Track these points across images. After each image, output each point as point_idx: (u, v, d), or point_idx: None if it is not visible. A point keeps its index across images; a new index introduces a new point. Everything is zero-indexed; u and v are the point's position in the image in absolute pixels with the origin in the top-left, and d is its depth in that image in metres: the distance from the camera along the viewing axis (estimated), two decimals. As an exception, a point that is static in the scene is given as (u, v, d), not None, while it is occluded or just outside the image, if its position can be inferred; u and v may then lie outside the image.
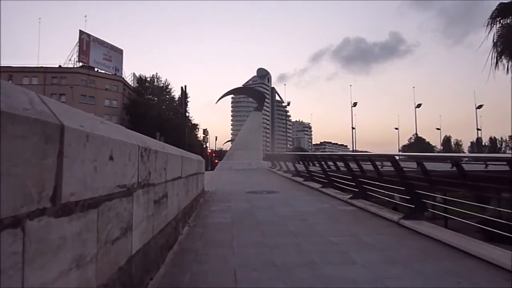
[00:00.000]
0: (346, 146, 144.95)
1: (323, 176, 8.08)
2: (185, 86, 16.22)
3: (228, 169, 19.19)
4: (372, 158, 6.12)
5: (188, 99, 50.50)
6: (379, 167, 6.13)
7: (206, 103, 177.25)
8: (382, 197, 5.48)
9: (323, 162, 8.39)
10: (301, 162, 11.09)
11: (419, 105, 40.13)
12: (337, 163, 8.62)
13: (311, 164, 10.07)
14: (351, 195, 6.15)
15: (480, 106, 39.75)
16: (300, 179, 10.55)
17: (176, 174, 3.62)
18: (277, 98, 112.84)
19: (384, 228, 4.10)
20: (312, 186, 8.60)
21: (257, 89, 31.80)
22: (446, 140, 73.12)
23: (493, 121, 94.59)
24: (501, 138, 69.45)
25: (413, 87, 60.34)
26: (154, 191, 2.55)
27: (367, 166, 6.59)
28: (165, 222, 3.03)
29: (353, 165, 6.54)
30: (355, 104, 40.30)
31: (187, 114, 49.28)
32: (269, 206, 5.90)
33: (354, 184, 6.19)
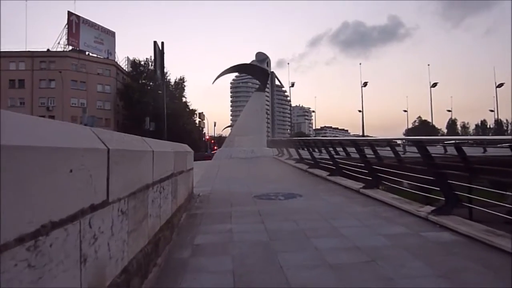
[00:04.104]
0: (347, 130, 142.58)
1: (366, 171, 5.47)
2: (162, 42, 13.11)
3: (228, 158, 16.73)
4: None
5: (185, 84, 47.74)
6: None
7: (204, 90, 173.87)
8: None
9: (366, 149, 5.72)
10: (322, 150, 8.58)
11: (434, 84, 36.93)
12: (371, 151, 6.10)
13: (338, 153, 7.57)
14: (432, 208, 3.66)
15: (500, 85, 36.56)
16: (322, 173, 8.06)
17: (80, 203, 1.12)
18: (277, 83, 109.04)
19: None
20: (346, 185, 6.05)
21: (259, 66, 28.83)
22: (452, 123, 71.27)
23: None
24: (506, 120, 67.30)
25: (428, 65, 56.11)
26: None
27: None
28: None
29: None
30: (365, 84, 37.19)
31: (184, 99, 46.65)
32: (299, 231, 3.35)
33: (438, 188, 3.67)
